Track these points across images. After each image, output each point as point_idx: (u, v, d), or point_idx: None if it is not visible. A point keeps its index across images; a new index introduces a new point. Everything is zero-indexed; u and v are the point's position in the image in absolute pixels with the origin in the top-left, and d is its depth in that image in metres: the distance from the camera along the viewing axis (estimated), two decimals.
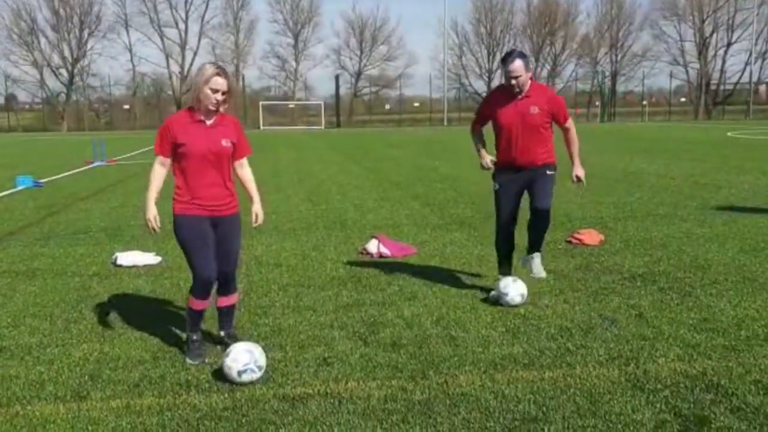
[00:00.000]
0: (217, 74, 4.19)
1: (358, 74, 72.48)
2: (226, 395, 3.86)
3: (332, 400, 3.77)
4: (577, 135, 5.71)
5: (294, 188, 13.71)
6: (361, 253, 7.48)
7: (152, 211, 4.35)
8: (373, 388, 3.92)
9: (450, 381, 3.98)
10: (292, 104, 68.65)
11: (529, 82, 5.49)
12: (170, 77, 67.88)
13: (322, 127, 61.19)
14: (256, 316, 5.30)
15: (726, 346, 4.47)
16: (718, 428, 3.36)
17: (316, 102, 67.10)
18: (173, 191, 4.34)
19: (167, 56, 67.23)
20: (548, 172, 5.56)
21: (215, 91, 4.20)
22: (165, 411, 3.67)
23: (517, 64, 5.35)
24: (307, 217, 10.14)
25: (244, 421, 3.56)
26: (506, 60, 5.40)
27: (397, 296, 5.79)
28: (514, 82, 5.38)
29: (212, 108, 4.27)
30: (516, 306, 5.35)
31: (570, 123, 5.66)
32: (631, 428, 3.38)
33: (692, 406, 3.59)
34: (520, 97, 5.46)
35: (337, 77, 66.98)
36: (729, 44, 69.45)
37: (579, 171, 5.74)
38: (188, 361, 4.37)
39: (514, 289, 5.40)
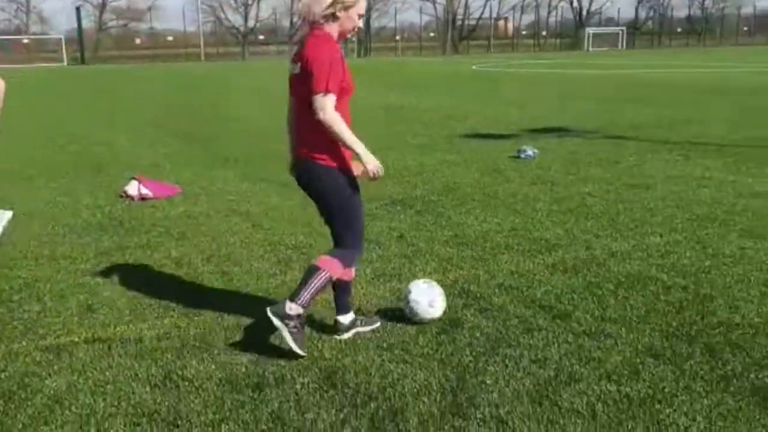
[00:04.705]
0: None
1: (103, 5, 67.06)
2: None
3: (101, 345, 3.62)
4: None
5: (32, 132, 12.48)
6: (121, 196, 7.10)
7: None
8: (145, 329, 3.82)
9: (224, 316, 3.99)
10: (26, 39, 61.95)
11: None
12: None
13: (65, 63, 56.22)
14: (7, 269, 4.86)
15: (474, 257, 4.98)
16: (470, 327, 3.77)
17: (55, 36, 61.11)
18: (314, 138, 3.37)
19: None
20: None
21: (360, 16, 3.44)
22: None
23: None
24: (52, 162, 9.33)
25: (3, 376, 3.30)
26: None
27: (164, 237, 5.62)
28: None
29: (349, 36, 3.59)
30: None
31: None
32: (397, 333, 3.67)
33: (447, 310, 3.96)
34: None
35: (78, 9, 61.28)
36: None
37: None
38: (298, 351, 3.39)
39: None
